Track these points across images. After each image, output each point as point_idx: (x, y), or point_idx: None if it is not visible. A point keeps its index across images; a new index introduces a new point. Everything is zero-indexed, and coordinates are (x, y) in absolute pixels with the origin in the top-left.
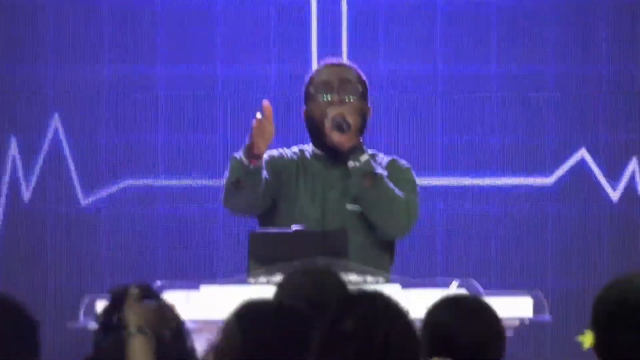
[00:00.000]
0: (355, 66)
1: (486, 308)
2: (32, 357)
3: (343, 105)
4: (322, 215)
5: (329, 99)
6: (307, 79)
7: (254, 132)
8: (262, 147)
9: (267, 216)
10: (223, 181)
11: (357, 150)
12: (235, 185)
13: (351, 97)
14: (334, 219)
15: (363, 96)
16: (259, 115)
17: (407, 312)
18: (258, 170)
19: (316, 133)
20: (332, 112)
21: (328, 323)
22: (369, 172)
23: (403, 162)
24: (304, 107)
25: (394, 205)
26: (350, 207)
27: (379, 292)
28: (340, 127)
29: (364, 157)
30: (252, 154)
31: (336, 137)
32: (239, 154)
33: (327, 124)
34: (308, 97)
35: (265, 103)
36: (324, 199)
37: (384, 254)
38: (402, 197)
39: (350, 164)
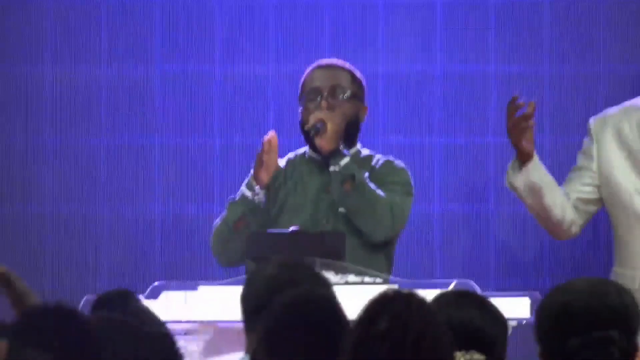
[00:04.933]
0: (348, 65)
1: (489, 304)
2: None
3: (324, 111)
4: (315, 219)
5: (318, 105)
6: (301, 80)
7: (257, 164)
8: (265, 179)
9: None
10: (216, 229)
11: (337, 154)
12: (239, 224)
13: (340, 101)
14: (328, 223)
15: (356, 97)
16: (268, 144)
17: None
18: (260, 204)
19: (307, 137)
20: (312, 119)
21: (361, 323)
22: (347, 176)
23: (398, 163)
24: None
25: (376, 208)
26: (342, 210)
27: (412, 292)
28: (317, 130)
29: (344, 161)
30: (258, 185)
31: (317, 142)
32: (238, 194)
33: (307, 129)
34: (300, 102)
35: (272, 134)
36: (317, 203)
37: (378, 257)
38: (385, 199)
39: (331, 168)
